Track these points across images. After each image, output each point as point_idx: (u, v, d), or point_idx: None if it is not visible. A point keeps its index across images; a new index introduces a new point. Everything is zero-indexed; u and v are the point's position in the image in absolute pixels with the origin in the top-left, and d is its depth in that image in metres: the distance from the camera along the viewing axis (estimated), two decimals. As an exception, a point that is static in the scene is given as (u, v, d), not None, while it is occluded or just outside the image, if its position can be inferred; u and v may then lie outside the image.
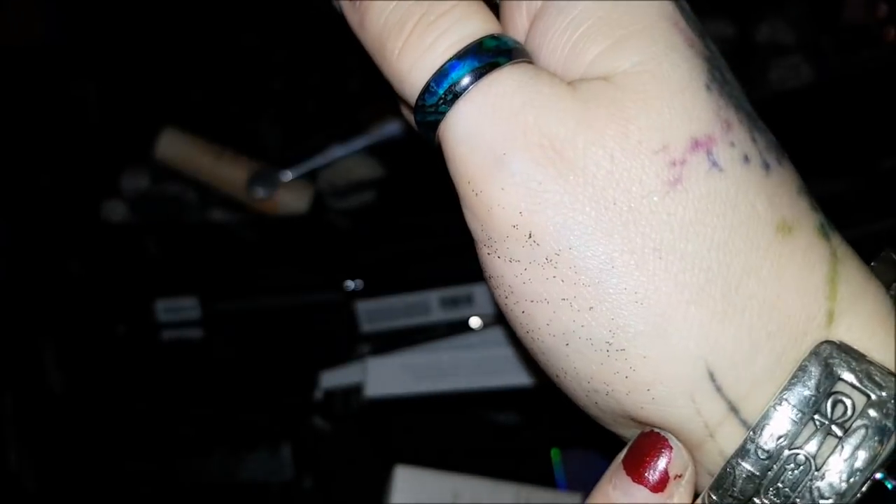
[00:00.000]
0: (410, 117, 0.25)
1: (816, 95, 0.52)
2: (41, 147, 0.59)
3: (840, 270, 0.22)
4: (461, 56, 0.22)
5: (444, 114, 0.22)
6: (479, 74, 0.22)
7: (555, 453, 0.47)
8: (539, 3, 0.23)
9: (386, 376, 0.50)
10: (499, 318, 0.52)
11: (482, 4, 0.23)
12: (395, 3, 0.23)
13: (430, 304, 0.52)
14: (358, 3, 0.23)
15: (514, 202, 0.21)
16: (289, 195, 0.57)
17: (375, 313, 0.53)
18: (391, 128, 0.57)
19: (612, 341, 0.21)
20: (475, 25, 0.22)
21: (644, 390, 0.22)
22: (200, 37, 0.64)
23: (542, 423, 0.50)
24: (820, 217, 0.23)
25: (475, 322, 0.53)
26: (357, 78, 0.61)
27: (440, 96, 0.22)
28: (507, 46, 0.22)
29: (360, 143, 0.58)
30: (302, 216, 0.57)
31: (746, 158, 0.22)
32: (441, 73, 0.22)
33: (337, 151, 0.58)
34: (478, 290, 0.52)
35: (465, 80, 0.22)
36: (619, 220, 0.21)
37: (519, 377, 0.49)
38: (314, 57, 0.63)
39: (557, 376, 0.24)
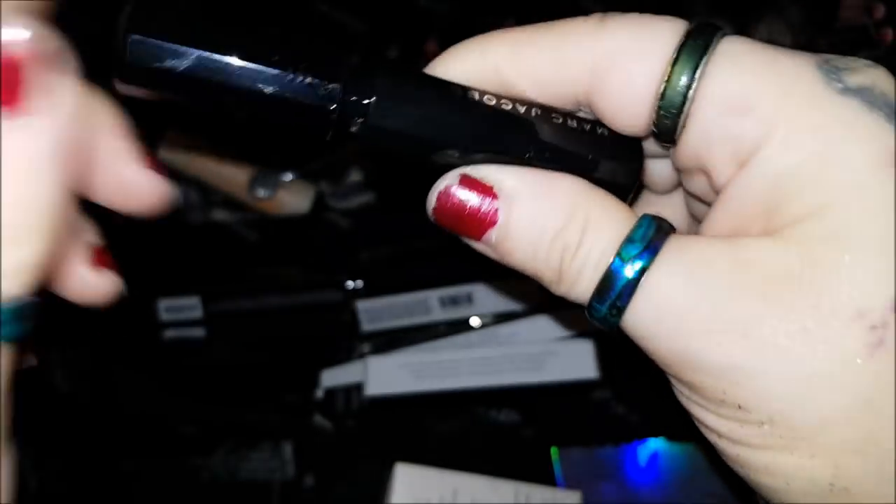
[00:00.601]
0: None
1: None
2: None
3: None
4: (612, 276, 0.22)
5: (616, 322, 0.23)
6: (633, 285, 0.22)
7: (554, 451, 0.48)
8: (747, 148, 0.22)
9: (386, 375, 0.50)
10: (498, 318, 0.53)
11: (605, 202, 0.23)
12: (531, 244, 0.23)
13: (430, 304, 0.53)
14: (494, 245, 0.24)
15: (713, 384, 0.22)
16: (290, 195, 0.57)
17: (376, 312, 0.53)
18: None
19: (835, 482, 0.22)
20: (613, 237, 0.23)
21: None
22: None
23: (542, 422, 0.50)
24: None
25: (475, 321, 0.53)
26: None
27: (606, 312, 0.23)
28: (648, 240, 0.22)
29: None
30: (303, 216, 0.57)
31: None
32: (599, 295, 0.23)
33: (337, 151, 0.58)
34: (478, 290, 0.52)
35: (624, 295, 0.22)
36: (824, 384, 0.21)
37: (518, 376, 0.49)
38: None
39: (771, 501, 0.24)
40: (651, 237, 0.22)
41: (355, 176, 0.58)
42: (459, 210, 0.24)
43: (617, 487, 0.47)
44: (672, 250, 0.22)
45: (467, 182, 0.24)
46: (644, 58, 0.23)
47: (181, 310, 0.54)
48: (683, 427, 0.48)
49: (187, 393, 0.53)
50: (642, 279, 0.22)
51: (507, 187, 0.24)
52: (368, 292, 0.53)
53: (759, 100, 0.22)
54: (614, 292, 0.22)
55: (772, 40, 0.58)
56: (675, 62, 0.23)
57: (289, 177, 0.57)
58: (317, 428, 0.51)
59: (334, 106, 0.23)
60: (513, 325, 0.52)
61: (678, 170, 0.26)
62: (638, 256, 0.22)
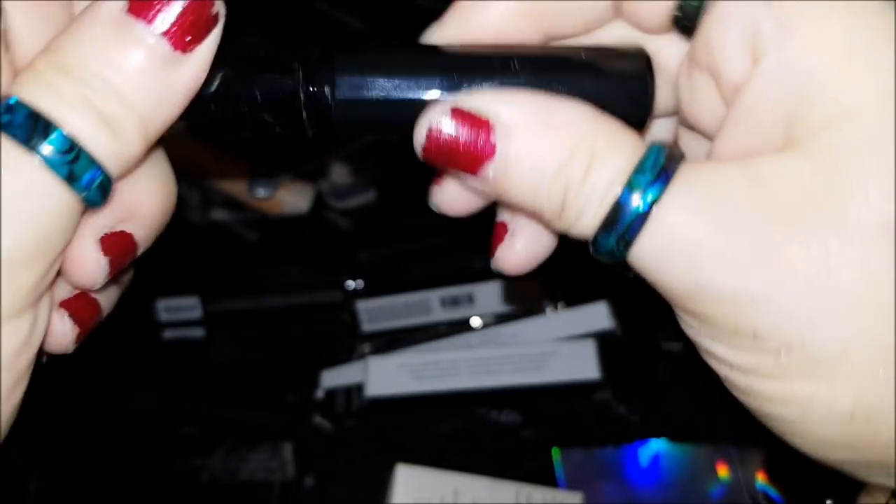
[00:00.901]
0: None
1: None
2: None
3: None
4: (620, 208, 0.21)
5: (623, 256, 0.22)
6: (643, 216, 0.21)
7: (555, 452, 0.47)
8: (765, 38, 0.21)
9: (387, 376, 0.50)
10: (499, 319, 0.53)
11: (612, 130, 0.22)
12: (531, 180, 0.22)
13: (431, 304, 0.53)
14: (490, 182, 0.22)
15: (727, 314, 0.21)
16: (289, 195, 0.57)
17: (376, 313, 0.53)
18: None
19: (856, 411, 0.21)
20: (621, 167, 0.21)
21: (889, 449, 0.21)
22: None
23: (543, 423, 0.50)
24: None
25: (476, 322, 0.53)
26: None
27: (613, 246, 0.21)
28: (659, 169, 0.21)
29: (360, 143, 0.58)
30: (303, 216, 0.57)
31: None
32: (605, 229, 0.21)
33: (337, 151, 0.58)
34: (478, 290, 0.52)
35: (634, 227, 0.21)
36: (846, 305, 0.20)
37: (519, 377, 0.49)
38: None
39: (787, 437, 0.23)
40: (662, 165, 0.21)
41: (355, 176, 0.58)
42: (452, 146, 0.22)
43: (618, 488, 0.47)
44: (685, 178, 0.21)
45: (459, 115, 0.22)
46: None
47: (180, 310, 0.53)
48: (684, 427, 0.48)
49: (187, 393, 0.53)
50: (653, 210, 0.21)
51: (504, 118, 0.22)
52: (369, 292, 0.52)
53: None
54: (622, 225, 0.21)
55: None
56: None
57: (289, 177, 0.57)
58: (317, 428, 0.51)
59: (299, 82, 0.22)
60: (513, 325, 0.52)
61: (689, 82, 0.24)
62: (649, 186, 0.21)
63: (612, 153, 0.21)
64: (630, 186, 0.21)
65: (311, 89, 0.23)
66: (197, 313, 0.54)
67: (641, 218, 0.21)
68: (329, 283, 0.53)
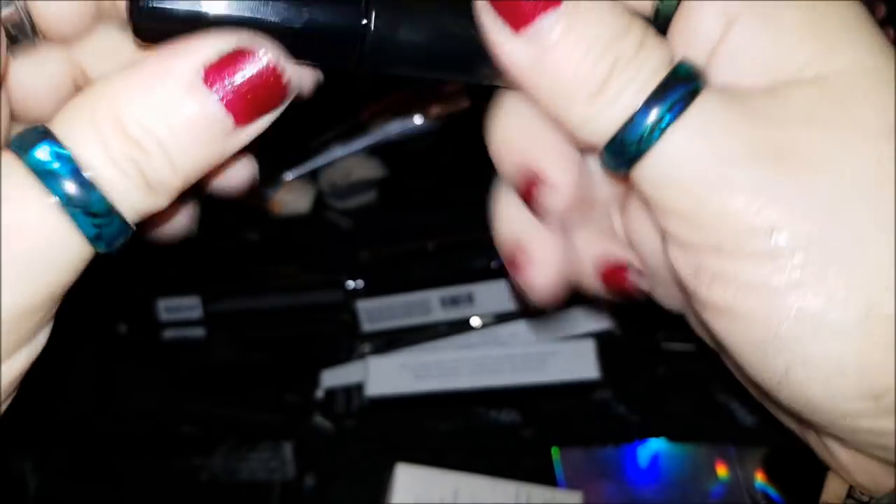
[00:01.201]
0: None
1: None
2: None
3: None
4: (666, 87, 0.22)
5: (651, 143, 0.22)
6: (686, 102, 0.22)
7: (555, 452, 0.48)
8: (736, 5, 0.23)
9: (386, 375, 0.50)
10: (499, 318, 0.53)
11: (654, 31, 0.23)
12: (588, 43, 0.22)
13: (431, 304, 0.53)
14: (543, 35, 0.22)
15: (745, 209, 0.21)
16: (290, 195, 0.57)
17: (376, 312, 0.53)
18: (391, 128, 0.57)
19: (871, 311, 0.21)
20: (666, 56, 0.22)
21: None
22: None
23: (543, 422, 0.50)
24: None
25: (475, 321, 0.53)
26: (358, 78, 0.61)
27: (653, 122, 0.22)
28: (697, 69, 0.22)
29: (360, 143, 0.58)
30: (303, 216, 0.57)
31: None
32: (656, 96, 0.22)
33: (337, 151, 0.58)
34: (478, 290, 0.52)
35: (676, 109, 0.22)
36: (862, 197, 0.21)
37: (519, 376, 0.49)
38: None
39: (788, 370, 0.22)
40: (700, 68, 0.22)
41: (355, 176, 0.58)
42: None
43: (617, 488, 0.47)
44: (711, 87, 0.22)
45: None
46: None
47: (181, 310, 0.54)
48: (683, 427, 0.48)
49: (187, 393, 0.53)
50: (695, 100, 0.22)
51: None
52: (369, 292, 0.53)
53: None
54: (667, 104, 0.21)
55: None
56: None
57: (288, 176, 0.57)
58: (317, 428, 0.51)
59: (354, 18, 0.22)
60: (513, 325, 0.52)
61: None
62: (693, 77, 0.22)
63: (660, 43, 0.22)
64: (677, 71, 0.22)
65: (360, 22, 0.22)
66: (197, 313, 0.54)
67: (689, 96, 0.22)
68: (329, 282, 0.53)
